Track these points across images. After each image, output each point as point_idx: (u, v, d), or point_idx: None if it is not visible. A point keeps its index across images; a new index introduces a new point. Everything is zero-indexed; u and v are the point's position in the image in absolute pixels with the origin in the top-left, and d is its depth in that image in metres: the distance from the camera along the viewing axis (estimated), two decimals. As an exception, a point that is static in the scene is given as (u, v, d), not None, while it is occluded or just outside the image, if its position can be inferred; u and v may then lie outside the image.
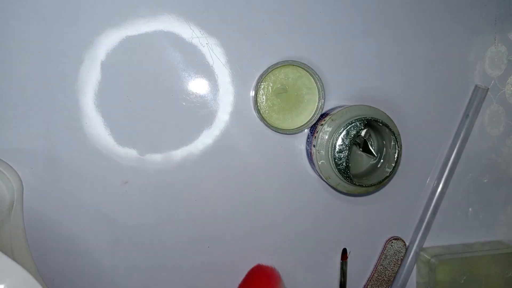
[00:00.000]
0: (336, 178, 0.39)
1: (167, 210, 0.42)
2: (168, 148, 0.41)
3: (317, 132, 0.39)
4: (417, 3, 0.43)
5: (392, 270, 0.46)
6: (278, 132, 0.42)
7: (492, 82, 0.46)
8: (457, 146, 0.45)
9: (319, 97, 0.41)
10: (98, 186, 0.41)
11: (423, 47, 0.44)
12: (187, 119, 0.41)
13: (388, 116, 0.39)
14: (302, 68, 0.40)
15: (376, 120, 0.37)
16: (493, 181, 0.48)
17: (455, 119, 0.46)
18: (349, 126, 0.37)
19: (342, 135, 0.37)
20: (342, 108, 0.39)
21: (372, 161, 0.40)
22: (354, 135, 0.37)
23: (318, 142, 0.38)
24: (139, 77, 0.40)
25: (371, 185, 0.38)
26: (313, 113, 0.41)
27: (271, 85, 0.40)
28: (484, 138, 0.47)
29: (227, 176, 0.42)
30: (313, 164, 0.41)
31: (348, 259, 0.45)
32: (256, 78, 0.41)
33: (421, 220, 0.46)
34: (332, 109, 0.41)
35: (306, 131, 0.42)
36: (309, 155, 0.42)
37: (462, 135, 0.45)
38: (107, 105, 0.40)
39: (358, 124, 0.37)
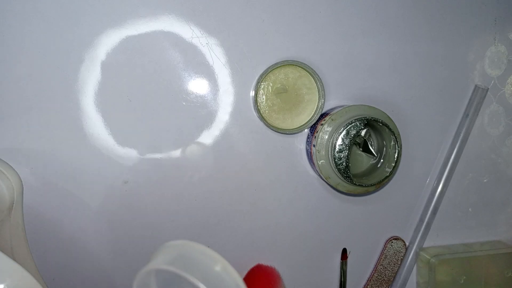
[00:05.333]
0: (336, 178, 0.39)
1: (167, 210, 0.42)
2: (168, 148, 0.41)
3: (317, 132, 0.39)
4: (417, 3, 0.44)
5: (392, 270, 0.46)
6: (278, 132, 0.42)
7: (492, 82, 0.46)
8: (457, 146, 0.45)
9: (319, 97, 0.41)
10: (98, 186, 0.41)
11: (423, 47, 0.44)
12: (187, 119, 0.41)
13: (388, 116, 0.39)
14: (302, 68, 0.40)
15: (376, 120, 0.37)
16: (493, 181, 0.48)
17: (455, 119, 0.46)
18: (349, 126, 0.37)
19: (342, 135, 0.37)
20: (342, 108, 0.39)
21: (372, 161, 0.40)
22: (354, 135, 0.37)
23: (318, 142, 0.38)
24: (139, 77, 0.40)
25: (371, 185, 0.38)
26: (313, 113, 0.41)
27: (271, 85, 0.40)
28: (484, 138, 0.47)
29: (227, 176, 0.42)
30: (313, 164, 0.41)
31: (348, 259, 0.45)
32: (256, 78, 0.41)
33: (421, 220, 0.46)
34: (332, 109, 0.41)
35: (306, 131, 0.42)
36: (309, 155, 0.42)
37: (462, 135, 0.45)
38: (107, 105, 0.40)
39: (358, 124, 0.37)
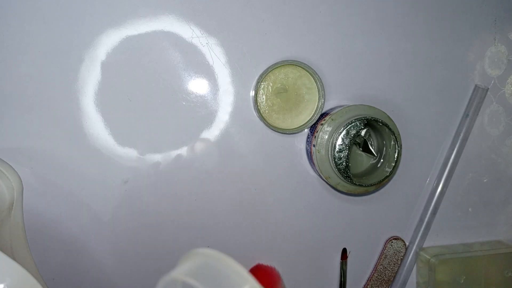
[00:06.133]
0: (336, 178, 0.39)
1: (167, 210, 0.42)
2: (168, 148, 0.41)
3: (317, 131, 0.39)
4: (417, 3, 0.44)
5: (392, 270, 0.46)
6: (278, 132, 0.42)
7: (492, 82, 0.46)
8: (457, 146, 0.45)
9: (319, 97, 0.41)
10: (98, 186, 0.41)
11: (423, 47, 0.44)
12: (187, 119, 0.41)
13: (388, 116, 0.39)
14: (302, 67, 0.40)
15: (376, 120, 0.37)
16: (493, 181, 0.48)
17: (455, 119, 0.46)
18: (349, 125, 0.37)
19: (342, 135, 0.37)
20: (342, 107, 0.39)
21: (372, 161, 0.40)
22: (354, 134, 0.37)
23: (318, 141, 0.38)
24: (139, 77, 0.40)
25: (371, 185, 0.38)
26: (313, 112, 0.41)
27: (271, 84, 0.40)
28: (484, 138, 0.47)
29: (227, 176, 0.42)
30: (313, 164, 0.41)
31: (348, 259, 0.45)
32: (256, 78, 0.41)
33: (421, 220, 0.46)
34: (332, 109, 0.41)
35: (306, 130, 0.42)
36: (309, 155, 0.42)
37: (462, 135, 0.45)
38: (107, 105, 0.40)
39: (358, 123, 0.37)
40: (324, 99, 0.40)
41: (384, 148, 0.39)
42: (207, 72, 0.41)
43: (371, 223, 0.46)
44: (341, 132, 0.37)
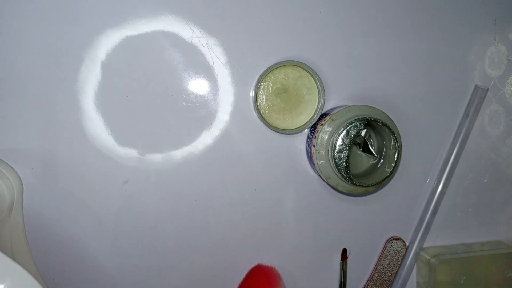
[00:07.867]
0: (336, 178, 0.39)
1: (167, 210, 0.42)
2: (168, 148, 0.41)
3: (317, 132, 0.39)
4: (417, 3, 0.44)
5: (392, 270, 0.46)
6: (278, 132, 0.42)
7: (492, 82, 0.46)
8: (457, 146, 0.45)
9: (319, 97, 0.41)
10: (98, 186, 0.41)
11: (423, 47, 0.44)
12: (187, 119, 0.41)
13: (388, 116, 0.39)
14: (302, 68, 0.40)
15: (376, 120, 0.37)
16: (493, 181, 0.48)
17: (455, 119, 0.46)
18: (349, 126, 0.37)
19: (342, 135, 0.37)
20: (342, 108, 0.39)
21: (372, 161, 0.40)
22: (354, 135, 0.37)
23: (318, 142, 0.38)
24: (139, 77, 0.40)
25: (371, 185, 0.38)
26: (313, 113, 0.41)
27: (271, 85, 0.40)
28: (484, 138, 0.47)
29: (227, 176, 0.42)
30: (313, 164, 0.41)
31: (348, 259, 0.45)
32: (256, 78, 0.41)
33: (421, 220, 0.46)
34: (332, 109, 0.41)
35: (306, 131, 0.42)
36: (309, 155, 0.42)
37: (462, 135, 0.45)
38: (107, 105, 0.40)
39: (358, 124, 0.37)
40: (324, 100, 0.40)
41: (384, 148, 0.39)
42: (207, 72, 0.41)
43: (371, 223, 0.46)
44: (341, 133, 0.37)
